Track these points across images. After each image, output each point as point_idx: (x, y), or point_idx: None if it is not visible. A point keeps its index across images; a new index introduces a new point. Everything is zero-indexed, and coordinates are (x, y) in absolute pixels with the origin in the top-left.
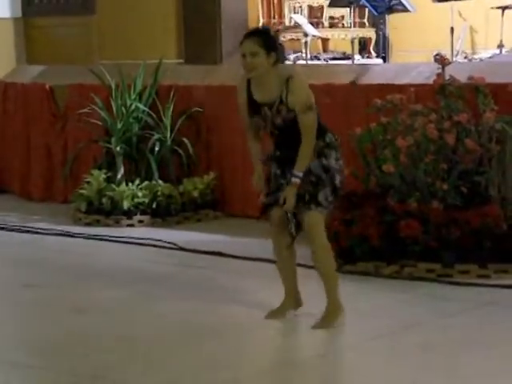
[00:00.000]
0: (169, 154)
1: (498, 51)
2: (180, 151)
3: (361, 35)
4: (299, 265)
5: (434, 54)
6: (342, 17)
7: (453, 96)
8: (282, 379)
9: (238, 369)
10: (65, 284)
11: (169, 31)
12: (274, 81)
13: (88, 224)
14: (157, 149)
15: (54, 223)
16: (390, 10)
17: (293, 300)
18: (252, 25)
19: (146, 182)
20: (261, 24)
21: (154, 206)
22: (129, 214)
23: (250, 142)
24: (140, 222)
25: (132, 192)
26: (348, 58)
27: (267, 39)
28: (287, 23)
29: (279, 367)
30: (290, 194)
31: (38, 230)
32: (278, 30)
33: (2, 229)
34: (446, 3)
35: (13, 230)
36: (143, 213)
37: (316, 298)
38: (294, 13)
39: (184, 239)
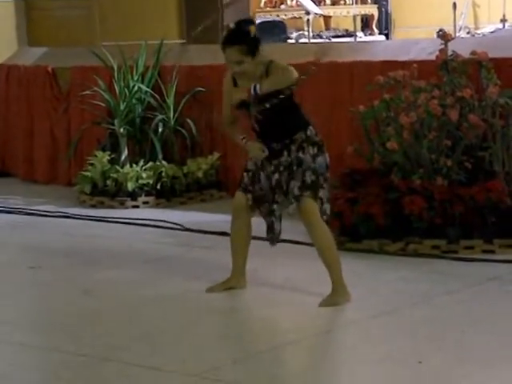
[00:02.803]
0: (172, 134)
1: (500, 26)
2: (183, 132)
3: (363, 12)
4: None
5: (437, 30)
6: None
7: (456, 71)
8: (285, 356)
9: (244, 347)
10: (70, 266)
11: (170, 11)
12: (257, 69)
13: (92, 206)
14: (160, 130)
15: (59, 205)
16: None
17: (241, 277)
18: (253, 2)
19: (150, 163)
20: (262, 2)
21: (159, 187)
22: (133, 195)
23: (226, 128)
24: (145, 203)
25: (136, 173)
26: (350, 36)
27: (249, 43)
28: (289, 1)
29: (283, 344)
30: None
31: (43, 213)
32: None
33: (7, 211)
34: None
35: (17, 213)
36: (148, 194)
37: (325, 277)
38: None
39: (189, 220)
